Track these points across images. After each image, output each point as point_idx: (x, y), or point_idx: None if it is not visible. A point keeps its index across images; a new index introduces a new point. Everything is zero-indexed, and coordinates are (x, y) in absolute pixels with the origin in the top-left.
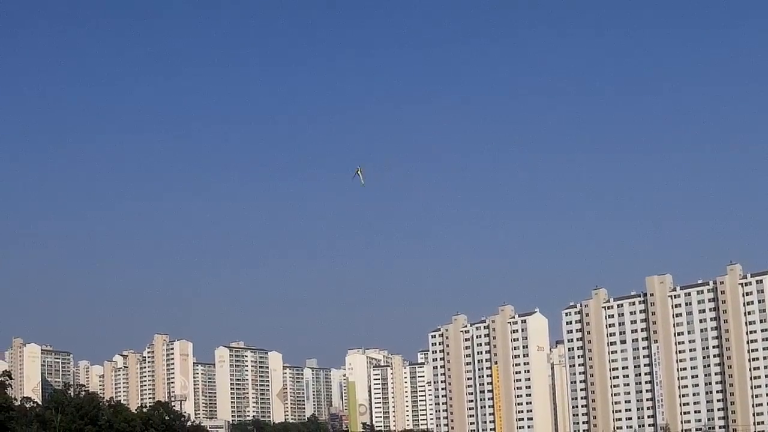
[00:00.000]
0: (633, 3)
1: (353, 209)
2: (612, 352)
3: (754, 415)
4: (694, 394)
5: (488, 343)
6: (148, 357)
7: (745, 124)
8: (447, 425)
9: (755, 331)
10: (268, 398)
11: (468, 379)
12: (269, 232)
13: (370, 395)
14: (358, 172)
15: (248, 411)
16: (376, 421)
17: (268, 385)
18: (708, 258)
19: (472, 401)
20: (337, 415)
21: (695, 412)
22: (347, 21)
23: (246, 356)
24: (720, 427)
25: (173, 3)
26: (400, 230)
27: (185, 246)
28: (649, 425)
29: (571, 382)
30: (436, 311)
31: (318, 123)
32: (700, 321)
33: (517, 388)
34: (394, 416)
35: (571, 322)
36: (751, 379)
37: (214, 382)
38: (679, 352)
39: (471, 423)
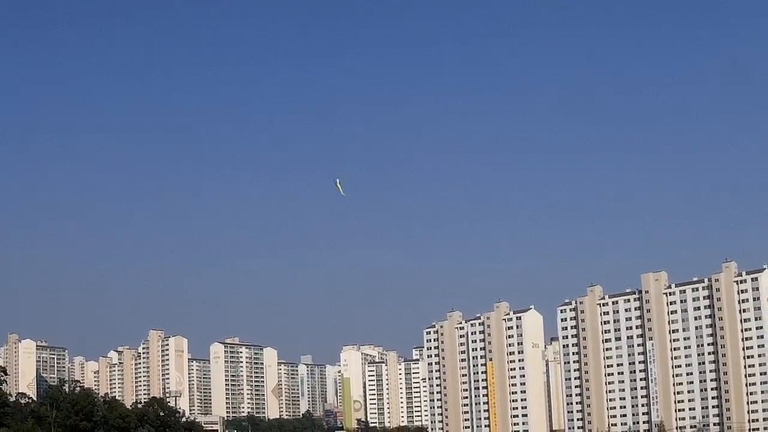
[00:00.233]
0: (627, 3)
1: (348, 206)
2: (607, 349)
3: (748, 412)
4: (688, 392)
5: (483, 340)
6: (143, 353)
7: (740, 122)
8: (442, 421)
9: (750, 329)
10: (263, 394)
11: (463, 375)
12: (264, 229)
13: (364, 391)
14: (338, 184)
15: (243, 407)
16: (370, 418)
17: (263, 381)
18: (703, 255)
19: (466, 398)
20: (331, 411)
21: (690, 409)
22: (347, 21)
23: (241, 352)
24: (715, 425)
25: (166, 3)
26: (396, 227)
27: (181, 242)
28: (644, 422)
29: (566, 379)
30: (431, 308)
31: (315, 121)
32: (695, 318)
33: (512, 384)
34: (388, 412)
35: (566, 319)
36: (745, 376)
37: (209, 378)
38: (674, 349)
39: (466, 419)
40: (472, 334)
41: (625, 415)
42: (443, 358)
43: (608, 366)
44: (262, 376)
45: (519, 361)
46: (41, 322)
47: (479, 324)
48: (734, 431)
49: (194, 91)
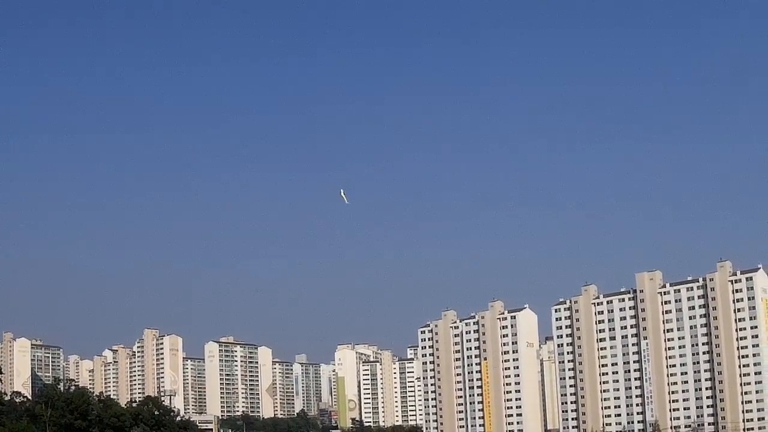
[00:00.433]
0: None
1: (343, 206)
2: (601, 349)
3: (743, 412)
4: (683, 391)
5: (478, 339)
6: (138, 352)
7: (735, 122)
8: (436, 421)
9: (745, 328)
10: (258, 393)
11: (457, 374)
12: (259, 228)
13: (359, 391)
14: (342, 194)
15: (237, 406)
16: (365, 417)
17: (257, 381)
18: (698, 255)
19: (461, 397)
20: (326, 410)
21: (684, 408)
22: (347, 19)
23: (236, 351)
24: (709, 424)
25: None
26: (390, 226)
27: (176, 241)
28: (639, 422)
29: (561, 378)
30: (426, 307)
31: (310, 120)
32: (690, 318)
33: (507, 384)
34: (383, 412)
35: (560, 318)
36: (740, 376)
37: (204, 377)
38: (669, 348)
39: (460, 419)
40: (466, 333)
41: (619, 415)
42: (438, 357)
43: (603, 365)
44: (257, 375)
45: (513, 360)
46: (36, 320)
47: (474, 323)
48: (729, 430)
49: (190, 88)
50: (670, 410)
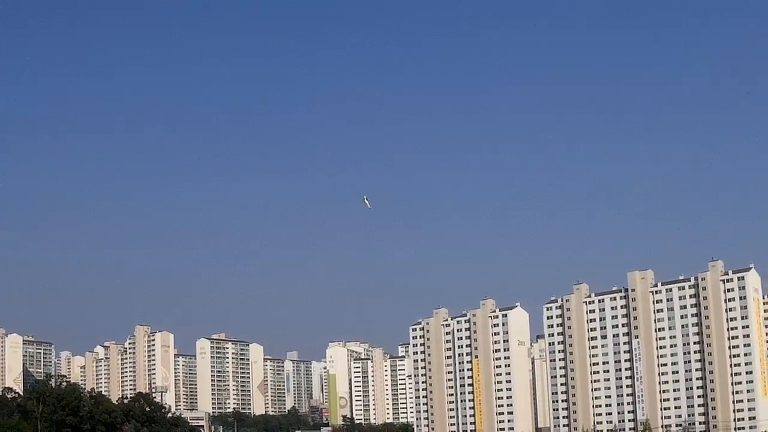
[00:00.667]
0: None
1: (335, 203)
2: (593, 347)
3: (734, 411)
4: (674, 390)
5: (469, 337)
6: (130, 348)
7: (728, 121)
8: (427, 419)
9: (736, 328)
10: (249, 390)
11: (448, 372)
12: (252, 226)
13: (350, 388)
14: (365, 199)
15: (229, 403)
16: (356, 414)
17: (248, 377)
18: (690, 254)
19: (452, 395)
20: (317, 407)
21: (675, 408)
22: (346, 16)
23: (227, 348)
24: (700, 423)
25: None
26: (383, 224)
27: (167, 238)
28: (630, 420)
29: (552, 377)
30: (418, 305)
31: (305, 119)
32: (682, 317)
33: (498, 382)
34: (374, 409)
35: (552, 317)
36: (731, 375)
37: (195, 373)
38: (660, 348)
39: (451, 417)
40: (458, 331)
41: (610, 414)
42: (429, 355)
43: (594, 364)
44: (248, 372)
45: (505, 358)
46: (28, 316)
47: (465, 321)
48: (719, 430)
49: (181, 85)
50: (661, 409)
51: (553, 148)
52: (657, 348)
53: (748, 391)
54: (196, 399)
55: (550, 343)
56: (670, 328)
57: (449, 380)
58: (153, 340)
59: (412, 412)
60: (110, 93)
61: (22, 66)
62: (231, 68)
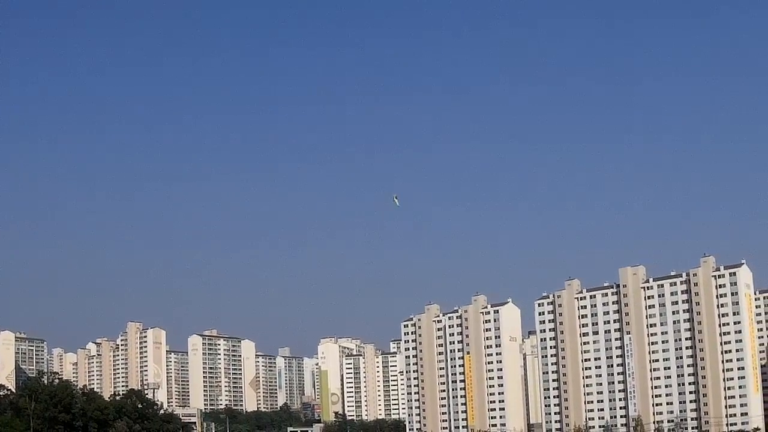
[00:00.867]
0: None
1: (327, 200)
2: (584, 343)
3: (726, 407)
4: (666, 386)
5: (461, 333)
6: (122, 345)
7: (720, 117)
8: (419, 414)
9: (728, 324)
10: (241, 387)
11: (440, 368)
12: (243, 223)
13: (342, 384)
14: (395, 198)
15: (221, 399)
16: (348, 411)
17: (240, 374)
18: (681, 250)
19: (444, 391)
20: (309, 404)
21: (667, 404)
22: (346, 13)
23: (219, 344)
24: (692, 419)
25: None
26: (374, 219)
27: (159, 235)
28: (621, 416)
29: (543, 373)
30: (409, 301)
31: (298, 114)
32: (673, 313)
33: (489, 378)
34: (366, 405)
35: (543, 313)
36: (723, 371)
37: (187, 370)
38: (652, 344)
39: (443, 413)
40: (449, 327)
41: (602, 409)
42: (421, 351)
43: (585, 360)
44: (240, 369)
45: (496, 354)
46: (20, 313)
47: (457, 317)
48: (711, 426)
49: (170, 82)
50: (652, 405)
51: (546, 146)
52: (649, 344)
53: (739, 387)
54: (188, 395)
55: (541, 339)
56: (661, 324)
57: (441, 376)
58: (145, 336)
59: (403, 408)
60: (102, 92)
61: (17, 65)
62: (209, 63)
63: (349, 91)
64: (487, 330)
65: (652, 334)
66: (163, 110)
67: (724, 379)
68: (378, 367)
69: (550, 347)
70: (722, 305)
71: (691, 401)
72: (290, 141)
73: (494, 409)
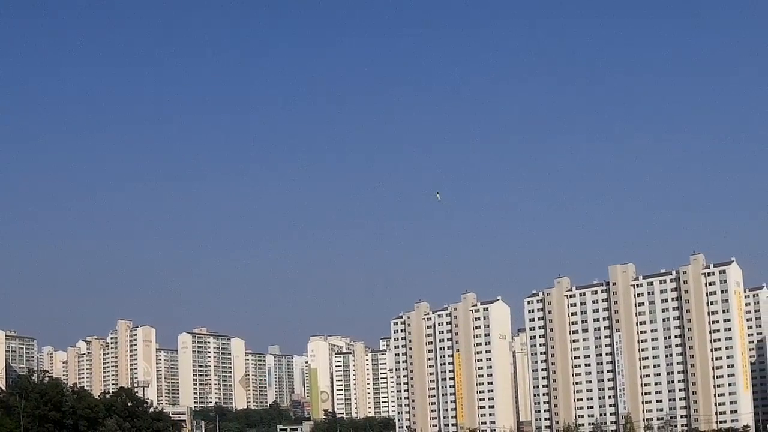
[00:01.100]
0: None
1: (316, 198)
2: (574, 341)
3: (715, 405)
4: (656, 384)
5: (450, 331)
6: (112, 343)
7: (710, 115)
8: (409, 412)
9: (718, 321)
10: (231, 385)
11: (430, 366)
12: (232, 221)
13: (332, 382)
14: (437, 194)
15: (210, 397)
16: (337, 408)
17: (230, 372)
18: (671, 248)
19: (433, 389)
20: (299, 401)
21: (657, 401)
22: (341, 12)
23: (208, 342)
24: (682, 417)
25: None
26: (364, 217)
27: (149, 233)
28: (611, 414)
29: (533, 371)
30: (399, 299)
31: (289, 114)
32: (663, 311)
33: (479, 376)
34: (356, 403)
35: (533, 311)
36: (713, 369)
37: (177, 368)
38: (642, 341)
39: (432, 410)
40: (439, 325)
41: (592, 407)
42: (410, 348)
43: (575, 358)
44: (230, 367)
45: (486, 352)
46: (10, 311)
47: (446, 315)
48: (701, 423)
49: (159, 80)
50: (642, 403)
51: (536, 145)
52: (638, 342)
53: (729, 385)
54: (178, 393)
55: (531, 337)
56: (651, 322)
57: (431, 374)
58: (135, 334)
59: (393, 406)
60: (95, 90)
61: (13, 63)
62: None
63: (330, 87)
64: (476, 328)
65: (641, 332)
66: (155, 109)
67: (713, 377)
68: (367, 365)
69: (540, 345)
70: (712, 303)
71: (680, 399)
72: (277, 141)
73: (484, 407)
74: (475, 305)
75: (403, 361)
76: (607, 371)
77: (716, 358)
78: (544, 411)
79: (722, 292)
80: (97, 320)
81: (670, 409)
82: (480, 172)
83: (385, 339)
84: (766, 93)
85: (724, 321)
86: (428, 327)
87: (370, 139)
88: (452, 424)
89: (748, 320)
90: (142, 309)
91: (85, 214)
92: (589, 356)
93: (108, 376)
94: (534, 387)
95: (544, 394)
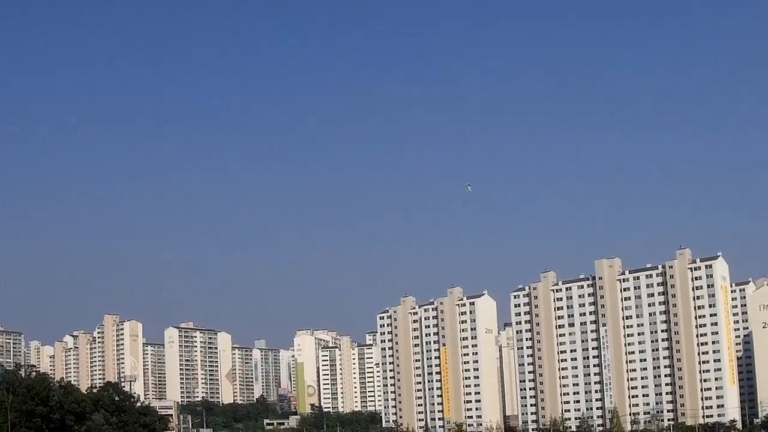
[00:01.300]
0: None
1: (303, 192)
2: (560, 335)
3: (702, 399)
4: (642, 378)
5: (437, 325)
6: (99, 337)
7: (696, 110)
8: (395, 407)
9: (704, 316)
10: (217, 379)
11: (416, 360)
12: (218, 215)
13: (318, 376)
14: (467, 186)
15: (197, 392)
16: (324, 403)
17: (217, 366)
18: (657, 242)
19: (420, 383)
20: (285, 396)
21: (643, 396)
22: (339, 9)
23: (195, 337)
24: (668, 411)
25: None
26: (350, 212)
27: (135, 228)
28: (597, 408)
29: (519, 365)
30: (385, 293)
31: (280, 110)
32: (649, 305)
33: (465, 370)
34: (342, 397)
35: (519, 305)
36: (699, 363)
37: (164, 362)
38: (628, 336)
39: (419, 404)
40: (425, 319)
41: (578, 401)
42: (397, 343)
43: (561, 352)
44: (216, 361)
45: (472, 346)
46: None
47: (433, 309)
48: (687, 417)
49: (145, 75)
50: (628, 397)
51: (521, 137)
52: (625, 336)
53: (716, 379)
54: (165, 388)
55: (517, 331)
56: (637, 316)
57: (417, 368)
58: (122, 329)
59: (380, 400)
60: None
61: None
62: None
63: (317, 84)
64: (463, 322)
65: (628, 326)
66: (141, 106)
67: (700, 371)
68: (354, 359)
69: (526, 339)
70: (698, 297)
71: (667, 393)
72: (264, 136)
73: (470, 401)
74: (462, 300)
75: (389, 356)
76: (594, 365)
77: (703, 353)
78: (531, 405)
79: (708, 286)
80: (84, 315)
81: (657, 403)
82: (466, 167)
83: (372, 333)
84: (749, 89)
85: (711, 316)
86: (414, 321)
87: (357, 136)
88: (438, 419)
89: (734, 315)
90: (128, 303)
91: (71, 210)
92: (575, 350)
93: (95, 370)
94: (520, 381)
95: (530, 389)
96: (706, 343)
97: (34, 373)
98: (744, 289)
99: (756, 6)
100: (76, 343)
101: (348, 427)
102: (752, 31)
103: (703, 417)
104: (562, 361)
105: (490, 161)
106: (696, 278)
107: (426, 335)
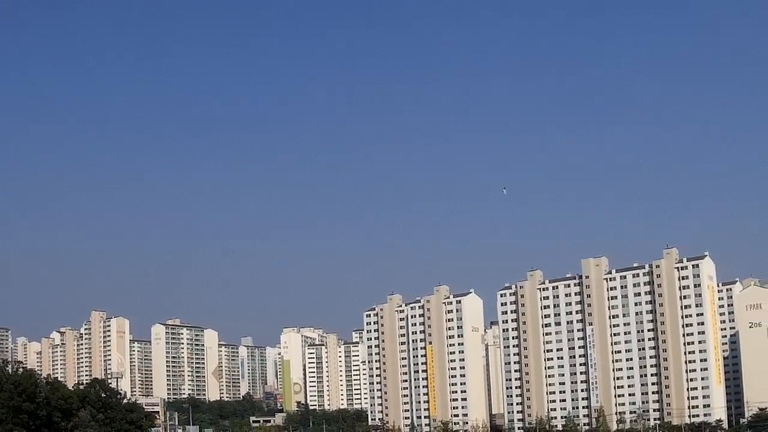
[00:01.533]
0: None
1: (290, 189)
2: (547, 334)
3: (688, 398)
4: (628, 378)
5: (423, 323)
6: (85, 334)
7: (683, 110)
8: (381, 405)
9: (691, 315)
10: (204, 376)
11: (402, 358)
12: (205, 212)
13: (304, 374)
14: (503, 189)
15: (184, 389)
16: (310, 400)
17: (203, 363)
18: (644, 241)
19: (406, 381)
20: (272, 393)
21: (630, 395)
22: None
23: (182, 334)
24: (654, 410)
25: None
26: (336, 210)
27: (123, 224)
28: (584, 407)
29: (506, 363)
30: (372, 290)
31: (276, 107)
32: (636, 304)
33: (452, 368)
34: (328, 395)
35: (506, 303)
36: (686, 363)
37: (150, 359)
38: (614, 335)
39: (405, 402)
40: (412, 317)
41: (564, 400)
42: (383, 341)
43: (548, 351)
44: (203, 358)
45: (459, 344)
46: None
47: (419, 307)
48: (674, 417)
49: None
50: (615, 396)
51: (510, 136)
52: (611, 335)
53: (702, 379)
54: (152, 385)
55: (504, 330)
56: (624, 315)
57: (403, 366)
58: (108, 326)
59: (366, 398)
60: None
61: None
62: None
63: (307, 79)
64: (449, 320)
65: (614, 326)
66: (128, 101)
67: (686, 371)
68: (340, 356)
69: (513, 338)
70: (685, 297)
71: (653, 393)
72: (251, 133)
73: (456, 400)
74: (448, 298)
75: (375, 354)
76: (580, 364)
77: (689, 353)
78: (517, 404)
79: (695, 286)
80: (71, 311)
81: (643, 402)
82: (453, 165)
83: (358, 331)
84: (737, 87)
85: (697, 315)
86: (401, 319)
87: (345, 135)
88: (425, 417)
89: (721, 315)
90: (115, 300)
91: (59, 207)
92: (561, 349)
93: (82, 367)
94: (507, 380)
95: (516, 387)
96: (693, 343)
97: (21, 370)
98: (731, 289)
99: (752, 5)
100: (63, 340)
101: (334, 424)
102: (734, 32)
103: (690, 417)
104: (548, 359)
105: (476, 160)
106: (683, 278)
107: (412, 333)
